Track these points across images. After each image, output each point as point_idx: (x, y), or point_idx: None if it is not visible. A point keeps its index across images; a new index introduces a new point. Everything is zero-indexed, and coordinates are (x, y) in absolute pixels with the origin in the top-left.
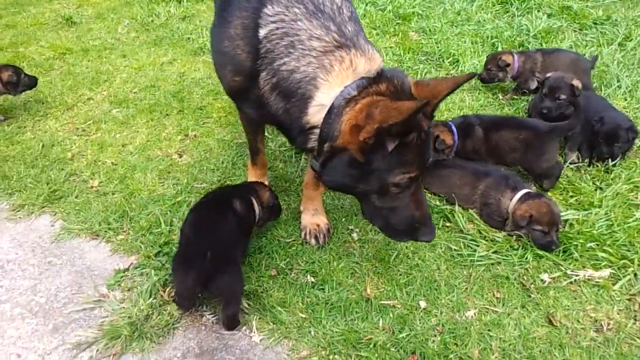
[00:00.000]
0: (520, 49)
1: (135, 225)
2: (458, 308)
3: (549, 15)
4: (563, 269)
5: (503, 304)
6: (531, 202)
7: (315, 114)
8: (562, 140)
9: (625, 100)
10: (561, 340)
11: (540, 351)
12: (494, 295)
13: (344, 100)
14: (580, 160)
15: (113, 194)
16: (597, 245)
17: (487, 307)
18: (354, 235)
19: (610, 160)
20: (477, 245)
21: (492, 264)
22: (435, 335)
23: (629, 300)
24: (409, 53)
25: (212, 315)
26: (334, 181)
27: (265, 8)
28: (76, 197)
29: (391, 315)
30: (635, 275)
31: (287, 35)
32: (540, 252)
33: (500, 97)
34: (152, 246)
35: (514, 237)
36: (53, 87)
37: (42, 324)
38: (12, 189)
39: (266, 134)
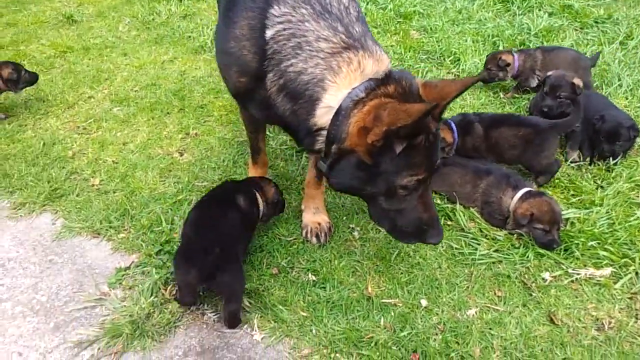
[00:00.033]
0: (521, 47)
1: (136, 223)
2: (459, 306)
3: (550, 14)
4: (564, 267)
5: (504, 303)
6: (532, 200)
7: (323, 116)
8: (563, 138)
9: (627, 99)
10: (562, 338)
11: (541, 350)
12: (495, 293)
13: (351, 102)
14: (582, 158)
15: (114, 192)
16: (599, 243)
17: (489, 305)
18: (355, 233)
19: (611, 158)
20: (478, 244)
21: (494, 262)
22: (436, 334)
23: (630, 298)
24: (410, 52)
25: (213, 314)
26: (341, 183)
27: (271, 8)
28: (77, 196)
29: (392, 313)
30: (637, 273)
31: (294, 37)
32: (542, 251)
33: (502, 96)
34: (153, 244)
35: (515, 235)
36: (54, 86)
37: (44, 323)
38: (13, 187)
39: (267, 132)
